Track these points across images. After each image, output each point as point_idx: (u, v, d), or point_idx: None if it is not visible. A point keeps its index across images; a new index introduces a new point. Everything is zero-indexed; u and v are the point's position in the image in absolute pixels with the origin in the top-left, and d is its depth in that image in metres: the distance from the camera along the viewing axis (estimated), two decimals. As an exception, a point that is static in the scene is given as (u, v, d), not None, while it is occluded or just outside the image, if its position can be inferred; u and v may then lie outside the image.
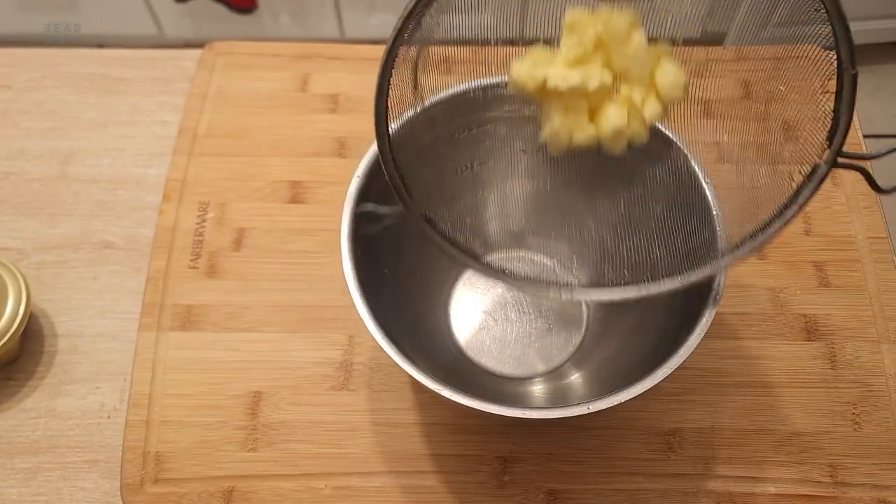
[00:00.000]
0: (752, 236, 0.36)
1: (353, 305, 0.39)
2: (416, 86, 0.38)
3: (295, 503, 0.46)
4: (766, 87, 0.38)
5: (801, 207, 0.35)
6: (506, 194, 0.49)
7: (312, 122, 0.59)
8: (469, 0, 0.37)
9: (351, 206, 0.42)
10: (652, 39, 0.36)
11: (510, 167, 0.48)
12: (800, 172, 0.35)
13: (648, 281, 0.37)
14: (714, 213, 0.41)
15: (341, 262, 0.40)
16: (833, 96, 0.34)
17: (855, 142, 0.57)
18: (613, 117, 0.36)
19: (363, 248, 0.42)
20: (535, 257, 0.53)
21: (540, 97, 0.37)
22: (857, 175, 0.55)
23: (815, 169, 0.34)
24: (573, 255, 0.51)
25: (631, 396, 0.37)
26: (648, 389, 0.37)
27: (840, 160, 0.34)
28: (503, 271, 0.38)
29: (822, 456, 0.47)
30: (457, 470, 0.47)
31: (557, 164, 0.45)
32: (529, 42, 0.37)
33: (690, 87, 0.37)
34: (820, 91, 0.34)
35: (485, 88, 0.44)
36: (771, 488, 0.46)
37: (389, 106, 0.36)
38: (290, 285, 0.52)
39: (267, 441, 0.47)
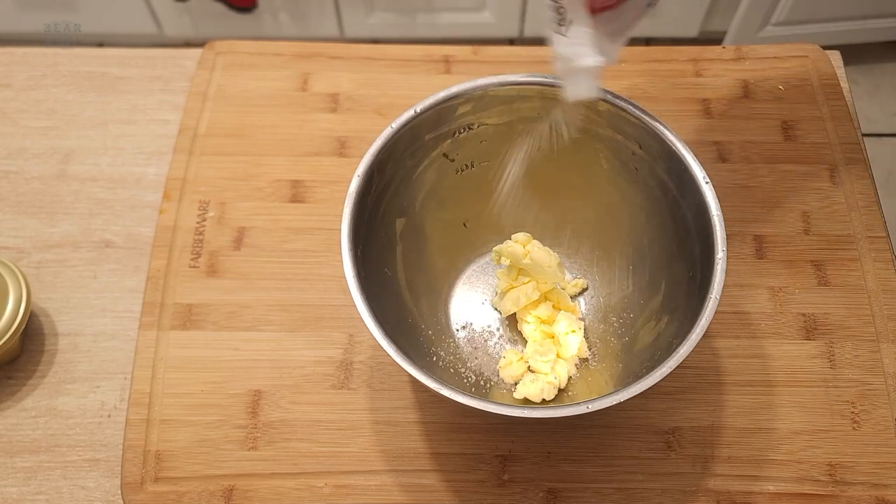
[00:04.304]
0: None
1: (353, 305, 0.39)
2: None
3: (295, 501, 0.46)
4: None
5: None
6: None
7: (313, 121, 0.59)
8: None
9: (351, 206, 0.42)
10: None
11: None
12: None
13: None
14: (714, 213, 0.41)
15: (341, 261, 0.41)
16: None
17: (854, 141, 0.57)
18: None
19: (363, 248, 0.42)
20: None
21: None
22: (857, 174, 0.55)
23: None
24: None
25: (630, 396, 0.37)
26: (648, 389, 0.37)
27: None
28: None
29: (820, 455, 0.47)
30: (457, 468, 0.47)
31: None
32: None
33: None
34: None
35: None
36: (770, 487, 0.46)
37: None
38: (290, 284, 0.52)
39: (267, 440, 0.48)
